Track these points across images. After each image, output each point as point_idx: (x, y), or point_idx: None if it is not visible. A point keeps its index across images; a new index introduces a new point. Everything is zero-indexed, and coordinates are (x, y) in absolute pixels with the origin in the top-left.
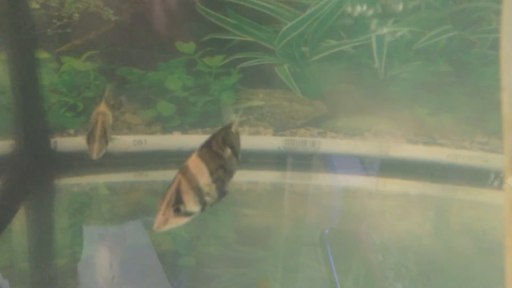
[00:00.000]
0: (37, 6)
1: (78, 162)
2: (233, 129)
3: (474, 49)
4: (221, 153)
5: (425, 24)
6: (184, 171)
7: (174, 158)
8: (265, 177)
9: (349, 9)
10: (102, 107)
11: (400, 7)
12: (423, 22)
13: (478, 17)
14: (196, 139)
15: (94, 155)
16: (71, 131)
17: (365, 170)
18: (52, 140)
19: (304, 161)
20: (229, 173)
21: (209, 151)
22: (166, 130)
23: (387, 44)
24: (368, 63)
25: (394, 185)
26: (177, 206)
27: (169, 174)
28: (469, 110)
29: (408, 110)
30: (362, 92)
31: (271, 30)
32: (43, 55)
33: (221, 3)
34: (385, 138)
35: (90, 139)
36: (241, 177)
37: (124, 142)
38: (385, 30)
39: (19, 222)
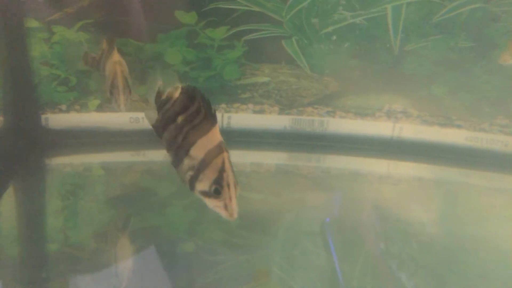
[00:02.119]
0: None
1: (70, 140)
2: None
3: (498, 23)
4: None
5: None
6: (223, 148)
7: None
8: (270, 158)
9: None
10: (116, 57)
11: None
12: None
13: None
14: None
15: (122, 107)
16: (63, 107)
17: (376, 152)
18: (43, 117)
19: (311, 142)
20: None
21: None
22: None
23: (404, 16)
24: (383, 36)
25: (406, 169)
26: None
27: (168, 154)
28: (490, 89)
29: (425, 89)
30: (376, 69)
31: None
32: (32, 23)
33: None
34: (398, 119)
35: (113, 91)
36: (244, 158)
37: (120, 119)
38: (402, 0)
39: (7, 204)
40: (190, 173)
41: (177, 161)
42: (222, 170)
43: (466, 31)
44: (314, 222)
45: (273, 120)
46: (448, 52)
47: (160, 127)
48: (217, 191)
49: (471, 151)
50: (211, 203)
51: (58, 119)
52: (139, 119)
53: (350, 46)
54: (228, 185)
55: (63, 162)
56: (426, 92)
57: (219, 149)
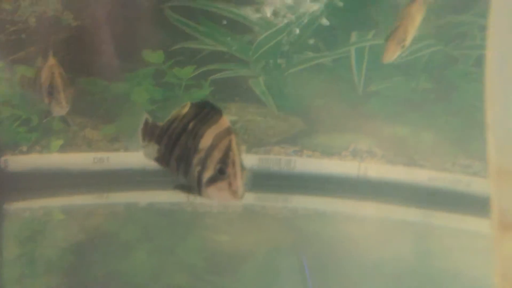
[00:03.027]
0: None
1: (31, 183)
2: None
3: (457, 65)
4: None
5: None
6: (231, 131)
7: (138, 178)
8: None
9: (328, 20)
10: (52, 60)
11: (381, 19)
12: None
13: (461, 32)
14: None
15: (64, 104)
16: (24, 148)
17: (342, 191)
18: (2, 159)
19: (278, 182)
20: None
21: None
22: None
23: (367, 58)
24: (347, 77)
25: (373, 209)
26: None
27: (133, 196)
28: (451, 130)
29: (388, 128)
30: (341, 108)
31: (245, 40)
32: None
33: (193, 10)
34: (364, 158)
35: (52, 91)
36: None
37: (83, 160)
38: (365, 43)
39: None
40: (199, 168)
41: (189, 171)
42: (228, 150)
43: (427, 73)
44: (282, 263)
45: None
46: (410, 93)
47: (166, 152)
48: (221, 170)
49: (434, 191)
50: (216, 189)
51: (19, 161)
52: (103, 159)
53: (316, 86)
54: (234, 163)
55: (22, 207)
56: (390, 131)
57: (227, 132)
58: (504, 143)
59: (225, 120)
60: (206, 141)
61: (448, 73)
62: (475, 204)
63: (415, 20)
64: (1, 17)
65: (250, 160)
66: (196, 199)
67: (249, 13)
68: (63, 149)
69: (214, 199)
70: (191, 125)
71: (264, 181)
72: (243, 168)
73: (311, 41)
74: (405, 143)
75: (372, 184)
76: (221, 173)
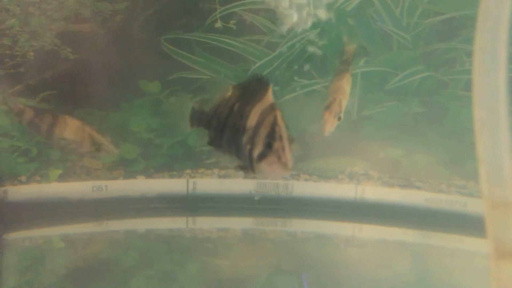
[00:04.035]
0: None
1: (30, 213)
2: None
3: (447, 90)
4: None
5: (397, 64)
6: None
7: (138, 205)
8: (236, 223)
9: (320, 49)
10: None
11: (372, 46)
12: (395, 62)
13: (450, 58)
14: (162, 183)
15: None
16: (23, 178)
17: (341, 214)
18: (2, 189)
19: (277, 206)
20: None
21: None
22: (129, 175)
23: (360, 84)
24: None
25: (371, 231)
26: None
27: (132, 223)
28: (445, 152)
29: (383, 151)
30: (336, 133)
31: (240, 69)
32: None
33: (187, 41)
34: (360, 181)
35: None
36: (211, 224)
37: (82, 189)
38: (357, 70)
39: None
40: (248, 146)
41: (240, 151)
42: (274, 125)
43: (418, 97)
44: (283, 287)
45: (239, 185)
46: (403, 117)
47: (216, 136)
48: (269, 144)
49: (431, 212)
50: (267, 164)
51: (18, 191)
52: (102, 187)
53: (311, 112)
54: (281, 137)
55: (22, 236)
56: (385, 154)
57: (271, 108)
58: (495, 176)
59: (270, 96)
60: (252, 119)
61: (439, 97)
62: (472, 224)
63: (346, 93)
64: (0, 51)
65: (248, 185)
66: (194, 225)
67: (243, 42)
68: (62, 178)
69: (266, 174)
70: (236, 106)
71: (263, 205)
72: (290, 140)
73: (305, 69)
74: (400, 166)
75: (369, 206)
76: (269, 148)
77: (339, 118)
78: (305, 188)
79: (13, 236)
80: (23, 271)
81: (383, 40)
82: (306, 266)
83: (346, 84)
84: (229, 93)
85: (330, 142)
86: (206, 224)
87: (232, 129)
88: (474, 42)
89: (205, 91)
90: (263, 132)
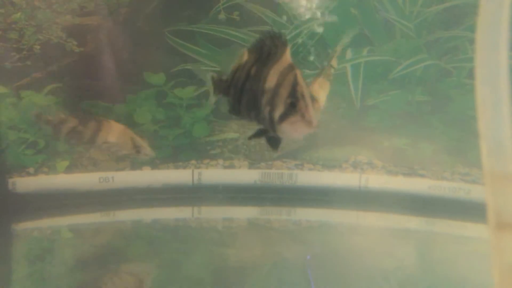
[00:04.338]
0: None
1: (39, 204)
2: None
3: (451, 78)
4: None
5: (401, 53)
6: (294, 66)
7: (144, 196)
8: (241, 213)
9: (324, 38)
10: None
11: (375, 35)
12: (398, 51)
13: (453, 46)
14: (167, 174)
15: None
16: (31, 170)
17: (345, 203)
18: (10, 181)
19: (281, 195)
20: None
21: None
22: (135, 166)
23: (363, 73)
24: (344, 92)
25: (375, 219)
26: None
27: (139, 213)
28: (449, 139)
29: (387, 140)
30: (339, 122)
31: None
32: (0, 90)
33: (191, 33)
34: (364, 170)
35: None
36: (216, 214)
37: (89, 180)
38: (360, 59)
39: None
40: (268, 108)
41: (260, 114)
42: (295, 84)
43: (421, 86)
44: (288, 274)
45: (243, 175)
46: (407, 106)
47: (235, 103)
48: (292, 104)
49: (435, 199)
50: (289, 124)
51: (26, 183)
52: (108, 178)
53: None
54: (303, 95)
55: (31, 227)
56: (388, 143)
57: (290, 68)
58: (495, 149)
59: (288, 56)
60: (271, 81)
61: (442, 85)
62: (476, 211)
63: (322, 98)
64: (7, 45)
65: (253, 175)
66: (200, 215)
67: (247, 33)
68: (69, 169)
69: (290, 134)
70: (253, 70)
71: (268, 195)
72: (312, 98)
73: (309, 59)
74: (404, 154)
75: (373, 194)
76: (292, 107)
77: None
78: (309, 177)
79: (22, 226)
80: (33, 260)
81: (386, 29)
82: (311, 254)
83: (318, 89)
84: (245, 57)
85: (333, 132)
86: (212, 214)
87: (250, 93)
88: (476, 23)
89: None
90: (284, 92)
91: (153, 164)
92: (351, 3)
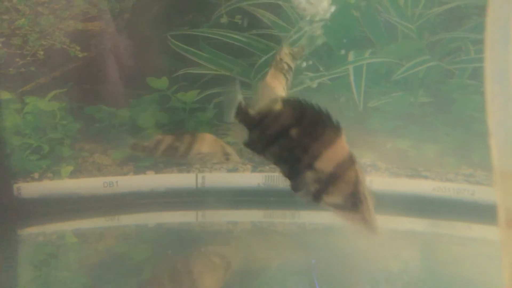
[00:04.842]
0: None
1: (43, 209)
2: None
3: (454, 79)
4: None
5: (403, 55)
6: (355, 160)
7: (148, 200)
8: (245, 216)
9: (325, 41)
10: None
11: (377, 38)
12: (400, 53)
13: (455, 47)
14: (171, 179)
15: None
16: (36, 175)
17: None
18: (15, 186)
19: (285, 198)
20: None
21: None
22: (139, 170)
23: (365, 76)
24: (347, 95)
25: (379, 221)
26: None
27: (143, 218)
28: (452, 141)
29: (390, 142)
30: (343, 125)
31: (246, 63)
32: (4, 95)
33: (194, 37)
34: (368, 172)
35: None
36: (220, 217)
37: (93, 185)
38: (362, 61)
39: None
40: (316, 186)
41: (293, 173)
42: (357, 183)
43: (424, 87)
44: (293, 278)
45: (247, 178)
46: (409, 107)
47: (258, 143)
48: (355, 205)
49: (439, 201)
50: (345, 216)
51: (31, 188)
52: (113, 183)
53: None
54: (366, 198)
55: (36, 232)
56: (392, 145)
57: (350, 161)
58: (506, 147)
59: (344, 143)
60: (325, 165)
61: (445, 86)
62: (480, 212)
63: (275, 88)
64: (11, 51)
65: (256, 178)
66: (204, 218)
67: (249, 37)
68: (73, 174)
69: (341, 219)
70: (294, 131)
71: (271, 198)
72: (372, 198)
73: (310, 62)
74: (407, 156)
75: (377, 196)
76: (353, 207)
77: None
78: None
79: (27, 231)
80: (38, 265)
81: (388, 31)
82: (316, 257)
83: (272, 80)
84: (279, 107)
85: None
86: (216, 217)
87: (286, 151)
88: (480, 23)
89: (211, 86)
90: (344, 188)
91: (157, 168)
92: (353, 5)
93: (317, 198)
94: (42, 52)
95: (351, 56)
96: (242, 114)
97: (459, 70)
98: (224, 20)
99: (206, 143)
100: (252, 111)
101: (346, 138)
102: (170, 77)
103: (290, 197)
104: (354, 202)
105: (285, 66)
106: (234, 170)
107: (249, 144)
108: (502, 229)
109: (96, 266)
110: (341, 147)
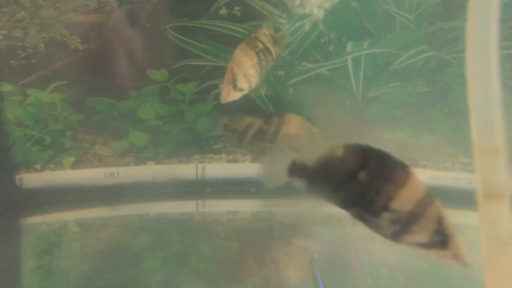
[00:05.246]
0: None
1: (46, 199)
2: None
3: (451, 68)
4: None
5: (401, 45)
6: (433, 196)
7: (149, 190)
8: (245, 206)
9: (324, 32)
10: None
11: (375, 28)
12: (398, 43)
13: (453, 37)
14: (171, 169)
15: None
16: (38, 166)
17: None
18: (18, 177)
19: (284, 188)
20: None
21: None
22: (139, 161)
23: (364, 66)
24: (345, 85)
25: None
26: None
27: (144, 208)
28: (450, 130)
29: (389, 132)
30: (341, 115)
31: None
32: (6, 88)
33: (193, 29)
34: None
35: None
36: (220, 207)
37: (95, 175)
38: (361, 52)
39: None
40: (395, 226)
41: (367, 216)
42: (440, 220)
43: (422, 77)
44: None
45: (246, 168)
46: (408, 97)
47: (324, 194)
48: (443, 242)
49: (437, 189)
50: (433, 253)
51: (33, 178)
52: (114, 173)
53: (316, 95)
54: (453, 235)
55: (38, 221)
56: (390, 135)
57: (429, 198)
58: (484, 124)
59: (418, 181)
60: (402, 204)
61: (443, 76)
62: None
63: (243, 63)
64: (12, 43)
65: (255, 168)
66: (204, 208)
67: (247, 28)
68: (75, 165)
69: (425, 255)
70: (362, 175)
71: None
72: (456, 232)
73: (309, 53)
74: (405, 146)
75: None
76: (442, 245)
77: (235, 86)
78: None
79: (30, 221)
80: (40, 254)
81: (386, 21)
82: (315, 245)
83: (241, 54)
84: (341, 153)
85: (335, 125)
86: (216, 207)
87: (356, 196)
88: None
89: (211, 77)
90: (427, 226)
91: (157, 159)
92: None
93: (397, 238)
94: (43, 45)
95: (349, 47)
96: (300, 170)
97: (457, 60)
98: (223, 11)
99: (293, 124)
100: (309, 163)
101: (345, 129)
102: (170, 68)
103: (289, 186)
104: (441, 239)
105: (259, 45)
106: (234, 160)
107: (308, 191)
108: (481, 202)
109: (97, 255)
110: (416, 185)
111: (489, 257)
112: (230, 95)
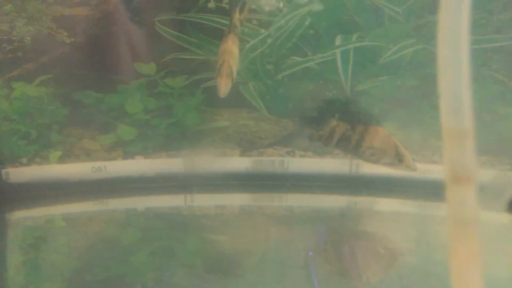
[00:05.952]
0: None
1: (32, 194)
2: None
3: None
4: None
5: (390, 38)
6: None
7: (137, 184)
8: (233, 200)
9: (312, 25)
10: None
11: (364, 21)
12: (387, 36)
13: None
14: (160, 164)
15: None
16: (24, 160)
17: (336, 188)
18: (4, 171)
19: (273, 182)
20: None
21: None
22: (127, 155)
23: (352, 59)
24: (334, 79)
25: (366, 204)
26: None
27: (132, 202)
28: (438, 123)
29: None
30: (330, 109)
31: None
32: None
33: (181, 22)
34: None
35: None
36: (208, 201)
37: (82, 170)
38: (349, 45)
39: None
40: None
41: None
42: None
43: (411, 71)
44: (281, 260)
45: (235, 162)
46: (396, 91)
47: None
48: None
49: (426, 182)
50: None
51: (20, 173)
52: (101, 168)
53: (305, 89)
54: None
55: (24, 216)
56: None
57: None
58: (453, 107)
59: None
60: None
61: (431, 70)
62: None
63: (234, 54)
64: None
65: (244, 163)
66: (193, 202)
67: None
68: (62, 160)
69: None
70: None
71: (259, 182)
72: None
73: (298, 46)
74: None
75: (364, 179)
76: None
77: (232, 78)
78: (301, 164)
79: (16, 215)
80: (27, 248)
81: (374, 14)
82: (303, 239)
83: (232, 45)
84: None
85: (324, 119)
86: (204, 201)
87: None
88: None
89: (199, 71)
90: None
91: (146, 153)
92: None
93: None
94: (29, 38)
95: (338, 40)
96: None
97: None
98: (211, 4)
99: (378, 137)
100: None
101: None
102: (158, 62)
103: (279, 180)
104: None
105: (238, 30)
106: (223, 154)
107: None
108: (448, 186)
109: (85, 250)
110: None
111: (454, 240)
112: (228, 88)
